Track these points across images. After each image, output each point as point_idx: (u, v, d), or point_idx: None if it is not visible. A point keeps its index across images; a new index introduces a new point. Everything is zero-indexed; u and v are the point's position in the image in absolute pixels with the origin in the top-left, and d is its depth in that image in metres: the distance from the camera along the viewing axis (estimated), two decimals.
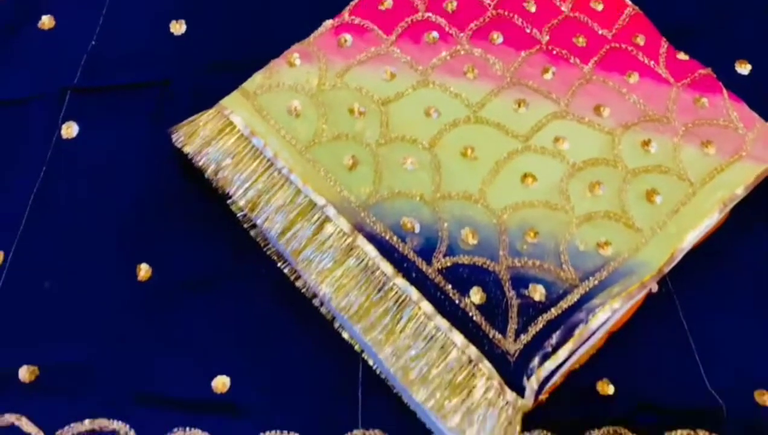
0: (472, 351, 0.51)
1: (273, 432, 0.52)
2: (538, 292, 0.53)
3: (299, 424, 0.52)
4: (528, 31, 0.63)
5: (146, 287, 0.56)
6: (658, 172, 0.58)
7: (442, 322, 0.52)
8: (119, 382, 0.53)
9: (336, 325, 0.55)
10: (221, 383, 0.53)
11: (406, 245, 0.54)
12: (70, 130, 0.62)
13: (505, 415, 0.50)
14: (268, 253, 0.57)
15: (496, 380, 0.50)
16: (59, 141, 0.61)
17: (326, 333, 0.55)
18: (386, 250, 0.54)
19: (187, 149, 0.57)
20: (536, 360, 0.51)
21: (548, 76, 0.61)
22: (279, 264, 0.57)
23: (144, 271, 0.56)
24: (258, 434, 0.51)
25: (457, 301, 0.52)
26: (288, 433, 0.52)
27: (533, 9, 0.65)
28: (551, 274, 0.54)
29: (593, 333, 0.53)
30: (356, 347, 0.55)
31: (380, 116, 0.59)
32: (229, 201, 0.59)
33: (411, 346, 0.51)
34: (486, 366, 0.51)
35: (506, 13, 0.64)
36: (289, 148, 0.57)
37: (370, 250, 0.54)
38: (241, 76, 0.60)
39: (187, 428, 0.51)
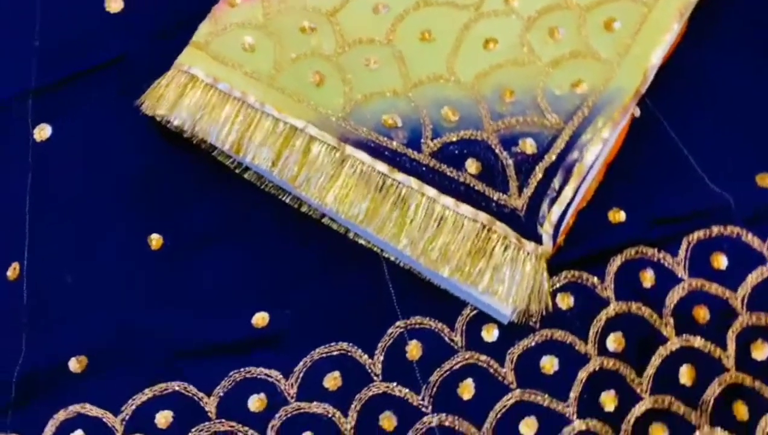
0: (483, 217, 0.53)
1: (322, 347, 0.54)
2: (528, 146, 0.54)
3: (344, 334, 0.54)
4: None
5: (162, 254, 0.57)
6: (611, 0, 0.59)
7: (448, 200, 0.53)
8: (163, 347, 0.54)
9: (351, 235, 0.57)
10: (260, 319, 0.55)
11: (393, 141, 0.55)
12: (43, 132, 0.61)
13: (529, 265, 0.52)
14: (267, 190, 0.58)
15: (513, 237, 0.52)
16: (36, 145, 0.61)
17: (343, 248, 0.56)
18: (376, 151, 0.55)
19: (159, 114, 0.58)
20: (544, 206, 0.53)
21: None
22: (280, 196, 0.59)
23: (155, 241, 0.57)
24: (309, 352, 0.54)
25: (456, 177, 0.54)
26: (336, 343, 0.55)
27: None
28: (536, 126, 0.55)
29: (591, 168, 0.55)
30: (376, 249, 0.57)
31: (332, 26, 0.59)
32: (214, 152, 0.60)
33: (425, 230, 0.53)
34: (499, 227, 0.52)
35: None
36: (255, 83, 0.57)
37: (362, 156, 0.55)
38: (191, 33, 0.60)
39: (242, 369, 0.54)
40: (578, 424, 0.52)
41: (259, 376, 0.54)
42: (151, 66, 0.60)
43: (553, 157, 0.54)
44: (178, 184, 0.59)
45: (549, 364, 0.53)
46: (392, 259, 0.56)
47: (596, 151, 0.54)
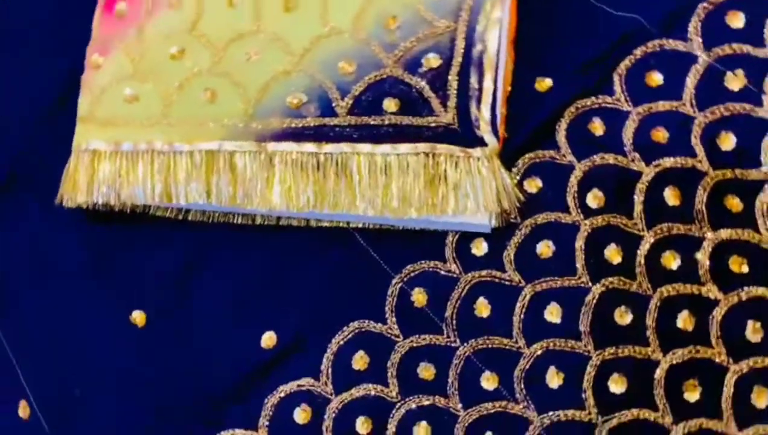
0: (422, 147, 0.52)
1: (337, 336, 0.53)
2: (433, 61, 0.53)
3: (351, 314, 0.53)
4: None
5: (149, 328, 0.55)
6: None
7: (384, 148, 0.52)
8: (193, 410, 0.53)
9: (313, 223, 0.56)
10: (268, 339, 0.54)
11: (307, 118, 0.54)
12: None
13: (484, 169, 0.52)
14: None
15: (457, 151, 0.52)
16: None
17: (312, 238, 0.56)
18: (296, 135, 0.54)
19: (81, 202, 0.56)
20: (473, 109, 0.52)
21: None
22: (233, 219, 0.57)
23: (138, 317, 0.56)
24: (327, 346, 0.53)
25: (381, 123, 0.53)
26: (348, 326, 0.53)
27: None
28: (431, 38, 0.54)
29: (499, 52, 0.54)
30: (342, 225, 0.56)
31: (198, 40, 0.57)
32: (152, 211, 0.58)
33: (376, 186, 0.52)
34: (442, 148, 0.52)
35: None
36: (154, 128, 0.55)
37: (285, 146, 0.54)
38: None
39: (274, 392, 0.53)
40: (596, 289, 0.52)
41: (292, 391, 0.54)
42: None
43: (460, 59, 0.54)
44: (134, 260, 0.58)
45: (545, 248, 0.53)
46: (361, 225, 0.56)
47: (495, 34, 0.54)
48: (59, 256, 0.59)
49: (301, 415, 0.53)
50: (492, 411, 0.51)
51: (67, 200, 0.57)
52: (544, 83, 0.56)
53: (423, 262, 0.54)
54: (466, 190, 0.52)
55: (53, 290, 0.59)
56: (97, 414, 0.55)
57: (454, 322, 0.53)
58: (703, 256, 0.52)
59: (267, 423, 0.53)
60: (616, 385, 0.50)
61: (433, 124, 0.53)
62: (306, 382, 0.54)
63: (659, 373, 0.51)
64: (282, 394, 0.54)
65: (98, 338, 0.57)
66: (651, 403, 0.50)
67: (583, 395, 0.50)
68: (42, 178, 0.60)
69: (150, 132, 0.56)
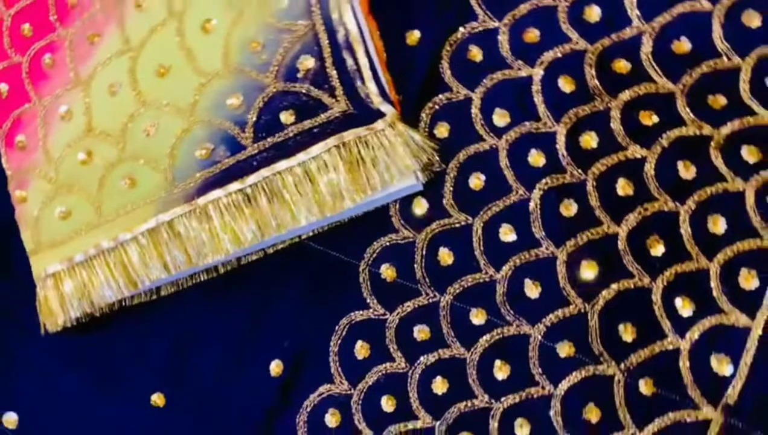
0: (331, 141, 0.55)
1: (333, 338, 0.56)
2: (307, 62, 0.56)
3: (338, 312, 0.56)
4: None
5: (168, 407, 0.58)
6: None
7: (299, 158, 0.55)
8: None
9: (270, 251, 0.59)
10: (276, 367, 0.57)
11: (222, 161, 0.56)
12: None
13: (392, 136, 0.54)
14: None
15: (362, 131, 0.54)
16: None
17: (273, 264, 0.58)
18: (218, 180, 0.56)
19: (60, 324, 0.59)
20: (359, 87, 0.55)
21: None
22: (198, 278, 0.60)
23: (158, 399, 0.60)
24: (328, 350, 0.55)
25: (286, 137, 0.55)
26: (338, 323, 0.56)
27: None
28: (297, 42, 0.56)
29: (360, 27, 0.56)
30: (294, 240, 0.58)
31: (96, 137, 0.59)
32: (128, 303, 0.61)
33: (306, 194, 0.54)
34: (348, 135, 0.54)
35: None
36: (94, 231, 0.58)
37: (213, 194, 0.56)
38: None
39: (300, 412, 0.56)
40: (535, 195, 0.54)
41: (315, 402, 0.56)
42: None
43: (329, 50, 0.56)
44: (132, 353, 0.60)
45: (476, 181, 0.55)
46: (311, 233, 0.58)
47: (350, 14, 0.56)
48: (61, 379, 0.61)
49: (332, 419, 0.56)
50: (492, 341, 0.54)
51: (49, 326, 0.60)
52: (413, 35, 0.58)
53: (378, 240, 0.57)
54: (385, 163, 0.54)
55: (67, 408, 0.61)
56: None
57: (427, 280, 0.56)
58: (616, 124, 0.55)
59: None
60: (589, 270, 0.53)
61: (332, 118, 0.55)
62: (324, 389, 0.57)
63: (621, 243, 0.53)
64: (308, 409, 0.57)
65: (128, 425, 0.60)
66: (625, 272, 0.53)
67: (564, 292, 0.53)
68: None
69: (93, 236, 0.58)
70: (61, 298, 0.59)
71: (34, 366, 0.62)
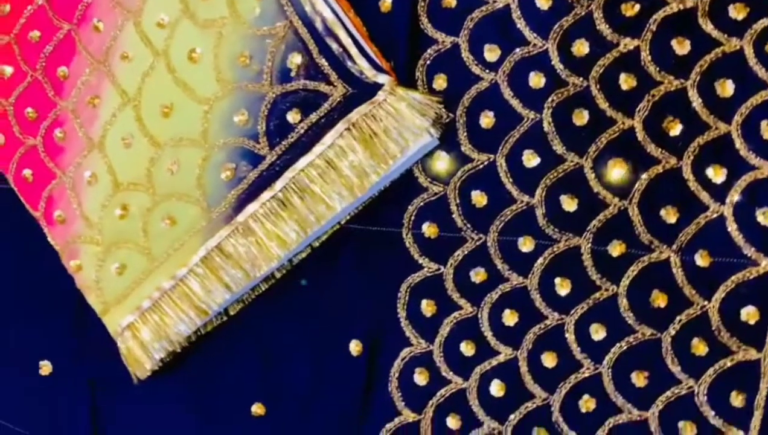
0: (341, 126, 0.56)
1: (399, 305, 0.60)
2: (297, 58, 0.57)
3: (392, 285, 0.59)
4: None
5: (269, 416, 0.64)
6: None
7: (316, 151, 0.57)
8: None
9: (317, 243, 0.61)
10: (355, 346, 0.61)
11: (248, 177, 0.58)
12: None
13: (396, 103, 0.56)
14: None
15: (367, 107, 0.56)
16: None
17: (334, 259, 0.61)
18: (249, 195, 0.58)
19: (148, 370, 0.62)
20: (352, 67, 0.56)
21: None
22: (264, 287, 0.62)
23: None
24: (398, 317, 0.59)
25: (299, 135, 0.57)
26: (399, 291, 0.59)
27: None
28: (281, 43, 0.57)
29: (334, 10, 0.57)
30: (336, 228, 0.60)
31: (127, 191, 0.62)
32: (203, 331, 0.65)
33: (333, 181, 0.57)
34: (355, 114, 0.56)
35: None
36: (152, 277, 0.61)
37: (249, 209, 0.58)
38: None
39: (394, 364, 0.61)
40: (546, 115, 0.55)
41: (401, 368, 0.58)
42: None
43: (313, 41, 0.57)
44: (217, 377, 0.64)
45: (486, 119, 0.57)
46: (347, 218, 0.59)
47: (322, 2, 0.57)
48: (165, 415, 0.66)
49: (421, 378, 0.59)
50: (546, 263, 0.56)
51: (140, 374, 0.63)
52: (386, 2, 0.59)
53: (411, 204, 0.59)
54: (397, 129, 0.56)
55: None
56: None
57: (469, 225, 0.58)
58: (602, 24, 0.54)
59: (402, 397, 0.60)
60: (617, 169, 0.54)
61: (334, 104, 0.57)
62: (405, 353, 0.59)
63: (640, 134, 0.53)
64: (397, 376, 0.59)
65: None
66: (652, 160, 0.53)
67: (599, 196, 0.54)
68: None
69: (152, 281, 0.62)
70: (142, 345, 0.63)
71: (145, 408, 0.65)
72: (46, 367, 0.69)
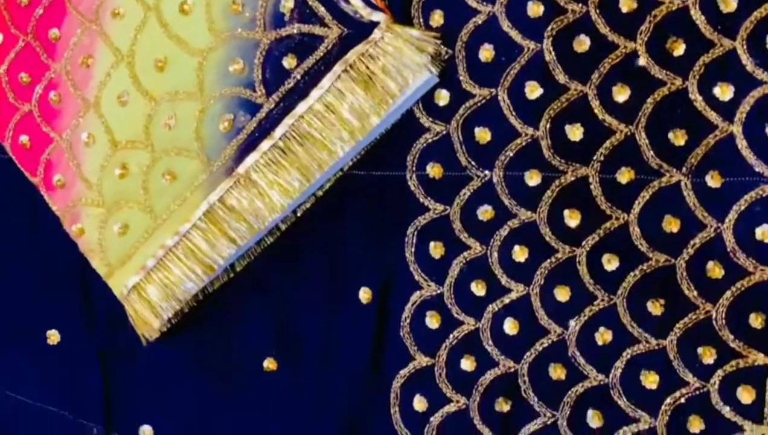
0: (338, 68, 0.55)
1: (407, 248, 0.59)
2: (289, 2, 0.56)
3: (400, 229, 0.58)
4: None
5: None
6: None
7: (314, 95, 0.55)
8: None
9: (320, 193, 0.60)
10: (364, 293, 0.59)
11: (246, 127, 0.57)
12: None
13: (392, 39, 0.55)
14: None
15: (364, 46, 0.55)
16: None
17: (342, 209, 0.60)
18: (249, 145, 0.57)
19: (157, 329, 0.61)
20: (344, 7, 0.55)
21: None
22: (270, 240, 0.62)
23: None
24: (407, 259, 0.58)
25: (297, 81, 0.56)
26: (405, 235, 0.58)
27: None
28: None
29: None
30: (339, 174, 0.60)
31: (125, 150, 0.61)
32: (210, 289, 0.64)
33: (331, 125, 0.55)
34: (352, 55, 0.55)
35: None
36: (156, 235, 0.60)
37: (250, 160, 0.57)
38: None
39: (405, 308, 0.60)
40: (546, 48, 0.55)
41: (412, 312, 0.57)
42: None
43: None
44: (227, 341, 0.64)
45: (485, 53, 0.55)
46: (350, 164, 0.59)
47: None
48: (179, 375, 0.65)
49: (433, 321, 0.58)
50: (554, 196, 0.54)
51: (149, 335, 0.63)
52: None
53: (414, 145, 0.58)
54: (395, 67, 0.55)
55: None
56: None
57: (473, 162, 0.57)
58: None
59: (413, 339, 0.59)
60: (621, 94, 0.52)
61: (330, 47, 0.56)
62: (416, 296, 0.59)
63: (642, 59, 0.52)
64: (408, 321, 0.58)
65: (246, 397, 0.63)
66: (657, 82, 0.52)
67: (605, 124, 0.53)
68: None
69: (156, 239, 0.61)
70: (150, 305, 0.62)
71: (156, 373, 0.65)
72: (53, 336, 0.69)
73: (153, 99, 0.61)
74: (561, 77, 0.55)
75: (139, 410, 0.67)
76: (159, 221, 0.61)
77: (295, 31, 0.57)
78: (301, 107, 0.57)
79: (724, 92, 0.52)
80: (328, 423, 0.62)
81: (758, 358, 0.52)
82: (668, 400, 0.54)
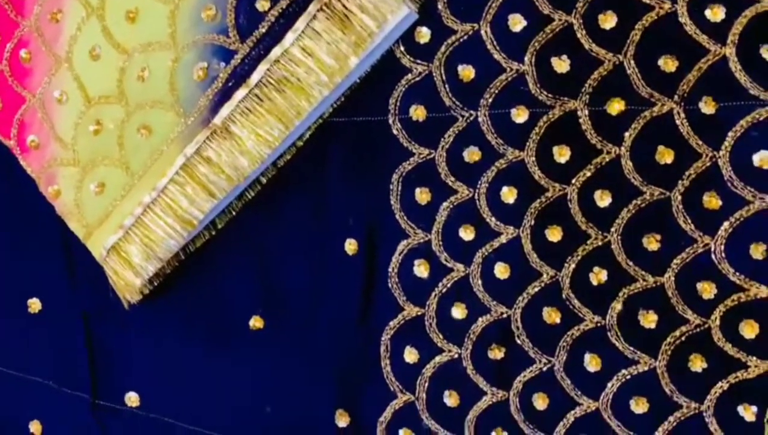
0: (312, 8, 0.53)
1: (393, 199, 0.57)
2: None
3: (384, 172, 0.56)
4: None
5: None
6: None
7: (289, 39, 0.53)
8: None
9: (301, 142, 0.58)
10: (349, 245, 0.58)
11: (221, 75, 0.55)
12: None
13: None
14: None
15: None
16: None
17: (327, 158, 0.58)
18: (224, 94, 0.55)
19: (138, 289, 0.60)
20: None
21: None
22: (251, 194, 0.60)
23: None
24: (392, 209, 0.56)
25: (271, 24, 0.54)
26: (390, 183, 0.56)
27: None
28: None
29: None
30: (320, 121, 0.58)
31: (98, 105, 0.59)
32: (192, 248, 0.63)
33: (311, 69, 0.53)
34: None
35: None
36: (133, 192, 0.58)
37: (225, 110, 0.55)
38: None
39: (392, 259, 0.58)
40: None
41: (400, 261, 0.56)
42: None
43: None
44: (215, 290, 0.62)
45: None
46: (330, 110, 0.57)
47: None
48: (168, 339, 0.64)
49: (421, 269, 0.56)
50: (542, 133, 0.52)
51: (131, 297, 0.61)
52: None
53: (396, 88, 0.56)
54: (372, 3, 0.53)
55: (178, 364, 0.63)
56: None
57: (457, 102, 0.55)
58: None
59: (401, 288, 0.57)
60: (608, 22, 0.50)
61: None
62: (403, 245, 0.56)
63: None
64: (396, 271, 0.56)
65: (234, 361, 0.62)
66: (645, 7, 0.50)
67: (592, 54, 0.50)
68: None
69: (133, 196, 0.59)
70: (130, 265, 0.60)
71: (141, 337, 0.64)
72: (34, 305, 0.67)
73: (125, 51, 0.59)
74: (545, 8, 0.52)
75: (125, 376, 0.65)
76: (136, 178, 0.59)
77: None
78: (276, 51, 0.55)
79: (715, 14, 0.50)
80: (319, 380, 0.60)
81: (760, 291, 0.50)
82: (668, 340, 0.51)
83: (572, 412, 0.54)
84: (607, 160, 0.52)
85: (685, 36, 0.50)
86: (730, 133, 0.50)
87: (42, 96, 0.62)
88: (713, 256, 0.51)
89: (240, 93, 0.56)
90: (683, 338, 0.51)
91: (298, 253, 0.60)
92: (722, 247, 0.51)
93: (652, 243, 0.52)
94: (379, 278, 0.57)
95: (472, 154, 0.55)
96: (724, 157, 0.50)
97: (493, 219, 0.55)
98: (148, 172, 0.58)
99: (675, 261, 0.51)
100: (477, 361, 0.56)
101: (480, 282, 0.55)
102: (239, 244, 0.61)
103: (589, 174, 0.53)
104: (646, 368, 0.53)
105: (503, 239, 0.55)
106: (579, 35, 0.52)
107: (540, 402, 0.55)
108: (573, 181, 0.53)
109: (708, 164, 0.50)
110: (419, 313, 0.57)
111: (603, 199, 0.53)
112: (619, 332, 0.53)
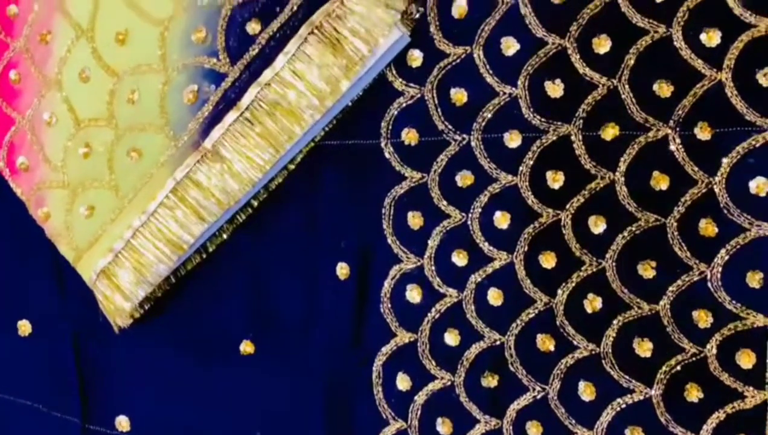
0: (303, 31, 0.52)
1: (385, 215, 0.57)
2: None
3: (377, 191, 0.55)
4: None
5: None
6: None
7: (280, 61, 0.53)
8: None
9: (293, 166, 0.58)
10: (340, 269, 0.57)
11: (211, 99, 0.55)
12: None
13: (361, 1, 0.51)
14: None
15: (328, 7, 0.52)
16: None
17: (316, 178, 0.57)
18: (215, 118, 0.55)
19: (130, 313, 0.59)
20: None
21: None
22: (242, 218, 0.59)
23: None
24: (384, 232, 0.55)
25: (261, 46, 0.53)
26: (384, 201, 0.56)
27: None
28: None
29: None
30: (311, 145, 0.57)
31: (88, 127, 0.59)
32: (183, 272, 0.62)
33: (302, 94, 0.53)
34: (316, 17, 0.52)
35: None
36: (124, 215, 0.58)
37: (216, 133, 0.54)
38: None
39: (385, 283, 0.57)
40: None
41: (392, 286, 0.55)
42: None
43: None
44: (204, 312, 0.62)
45: (459, 9, 0.53)
46: (322, 134, 0.56)
47: None
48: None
49: (414, 295, 0.55)
50: (535, 157, 0.51)
51: (120, 322, 0.61)
52: None
53: (388, 111, 0.55)
54: (364, 27, 0.52)
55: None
56: None
57: (450, 126, 0.54)
58: None
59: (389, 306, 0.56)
60: (602, 47, 0.49)
61: (295, 8, 0.54)
62: (395, 270, 0.56)
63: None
64: (388, 296, 0.56)
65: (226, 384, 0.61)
66: (639, 31, 0.49)
67: (586, 78, 0.49)
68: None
69: (123, 219, 0.58)
70: (120, 289, 0.59)
71: (132, 361, 0.63)
72: (24, 327, 0.67)
73: (115, 74, 0.58)
74: (538, 31, 0.52)
75: (115, 400, 0.64)
76: (125, 201, 0.58)
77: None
78: (267, 74, 0.54)
79: (710, 38, 0.49)
80: (310, 405, 0.59)
81: (757, 320, 0.49)
82: (663, 369, 0.50)
83: None
84: (602, 185, 0.52)
85: (680, 61, 0.50)
86: (725, 160, 0.49)
87: (31, 118, 0.62)
88: (709, 284, 0.50)
89: (230, 116, 0.55)
90: (679, 367, 0.51)
91: (290, 276, 0.59)
92: (718, 274, 0.50)
93: (647, 270, 0.51)
94: (372, 303, 0.57)
95: (464, 179, 0.55)
96: (720, 183, 0.50)
97: (486, 244, 0.55)
98: (138, 196, 0.58)
99: (670, 289, 0.50)
100: (470, 388, 0.55)
101: (473, 308, 0.55)
102: (231, 267, 0.61)
103: (583, 199, 0.52)
104: (641, 397, 0.52)
105: (496, 265, 0.54)
106: (573, 59, 0.52)
107: (534, 430, 0.54)
108: (567, 206, 0.52)
109: (704, 190, 0.50)
110: (412, 339, 0.56)
111: (597, 225, 0.52)
112: (614, 360, 0.52)
